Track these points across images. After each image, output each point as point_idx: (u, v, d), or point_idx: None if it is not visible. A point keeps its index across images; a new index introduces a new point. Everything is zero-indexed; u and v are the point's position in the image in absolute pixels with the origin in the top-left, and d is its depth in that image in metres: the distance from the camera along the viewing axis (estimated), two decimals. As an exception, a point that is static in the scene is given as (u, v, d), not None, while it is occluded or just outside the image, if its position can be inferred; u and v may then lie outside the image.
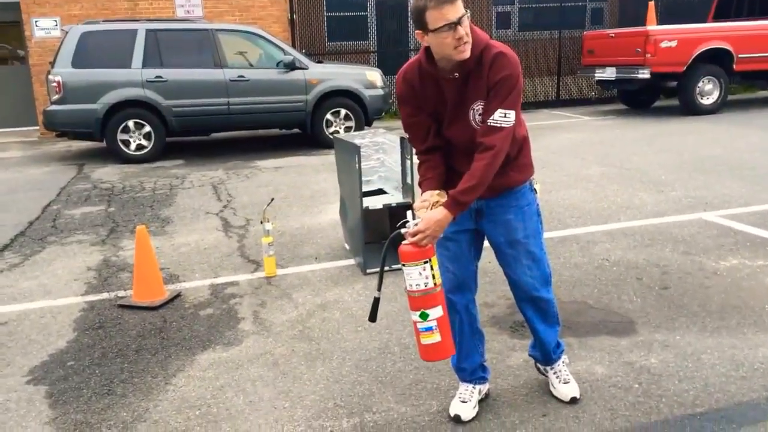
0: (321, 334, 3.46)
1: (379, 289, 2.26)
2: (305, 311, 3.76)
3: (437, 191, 2.24)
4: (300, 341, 3.38)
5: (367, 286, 4.10)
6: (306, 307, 3.81)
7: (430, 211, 2.17)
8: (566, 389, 2.69)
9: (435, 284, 2.13)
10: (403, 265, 2.17)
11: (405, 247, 2.17)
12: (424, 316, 2.14)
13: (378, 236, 4.67)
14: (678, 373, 2.90)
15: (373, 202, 4.35)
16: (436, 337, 2.15)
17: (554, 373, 2.75)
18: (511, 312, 3.60)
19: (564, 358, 2.79)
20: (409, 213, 2.21)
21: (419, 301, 2.15)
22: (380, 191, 4.72)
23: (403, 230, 2.15)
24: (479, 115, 2.20)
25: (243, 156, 9.12)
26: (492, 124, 2.12)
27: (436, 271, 2.17)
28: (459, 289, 2.49)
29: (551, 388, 2.74)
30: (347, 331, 3.47)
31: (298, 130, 10.02)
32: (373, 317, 2.28)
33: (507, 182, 2.34)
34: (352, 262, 4.56)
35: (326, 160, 8.52)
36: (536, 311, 2.54)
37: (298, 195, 6.62)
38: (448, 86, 2.21)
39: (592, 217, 5.38)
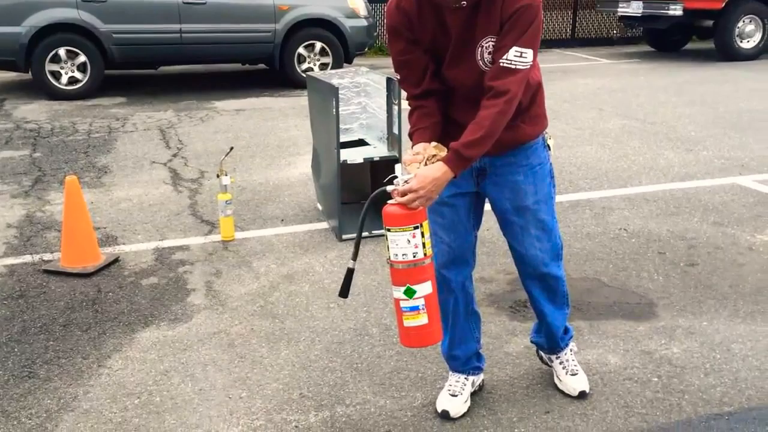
0: (286, 310, 3.45)
1: (354, 259, 2.22)
2: (268, 283, 3.75)
3: (433, 143, 2.18)
4: (261, 319, 3.37)
5: (342, 255, 4.09)
6: (269, 279, 3.80)
7: (425, 167, 2.11)
8: (574, 382, 2.70)
9: (425, 255, 2.10)
10: (388, 230, 2.12)
11: (391, 208, 2.11)
12: (409, 293, 2.11)
13: (357, 196, 4.67)
14: (704, 366, 2.91)
15: (353, 155, 4.34)
16: (422, 319, 2.13)
17: (560, 362, 2.76)
18: (512, 289, 3.61)
19: (572, 345, 2.80)
20: (397, 167, 2.16)
21: (405, 275, 2.11)
22: (361, 142, 4.71)
23: (389, 188, 2.11)
24: (489, 54, 2.14)
25: (197, 95, 9.03)
26: (505, 64, 2.08)
27: (428, 240, 2.12)
28: (454, 264, 2.47)
29: (556, 381, 2.76)
30: (317, 308, 3.46)
31: (264, 65, 9.93)
32: (344, 292, 2.25)
33: (517, 136, 2.30)
34: (325, 225, 4.55)
35: (297, 102, 8.45)
36: (544, 290, 2.54)
37: (263, 144, 6.59)
38: (452, 17, 2.15)
39: (608, 179, 5.39)
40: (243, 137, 6.81)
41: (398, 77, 2.30)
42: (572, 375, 2.72)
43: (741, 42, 11.23)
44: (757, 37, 11.22)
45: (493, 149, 2.21)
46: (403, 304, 2.14)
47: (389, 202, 2.13)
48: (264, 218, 4.69)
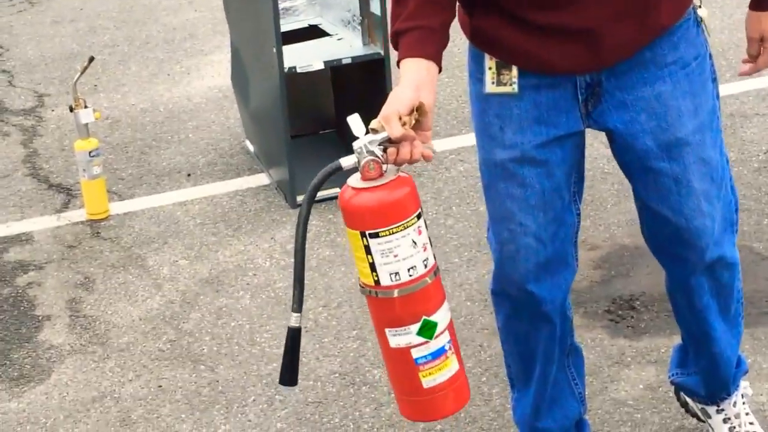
0: (216, 344, 3.40)
1: (297, 309, 2.06)
2: (178, 295, 3.72)
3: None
4: (173, 365, 3.33)
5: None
6: (178, 287, 3.77)
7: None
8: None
9: (435, 257, 2.10)
10: (373, 236, 2.00)
11: (370, 195, 1.98)
12: (428, 332, 2.07)
13: (315, 125, 4.72)
14: None
15: (305, 58, 4.29)
16: (452, 365, 2.11)
17: (725, 418, 2.66)
18: (604, 278, 3.58)
19: (744, 386, 2.72)
20: (354, 121, 1.99)
21: (417, 302, 2.06)
22: (315, 32, 4.65)
23: (346, 161, 2.00)
24: None
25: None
26: None
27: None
28: (548, 270, 2.35)
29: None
30: (270, 338, 3.42)
31: None
32: (290, 375, 2.13)
33: (654, 20, 2.17)
34: (264, 180, 4.53)
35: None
36: (713, 292, 2.44)
37: (139, 39, 6.52)
38: None
39: (729, 63, 5.21)
40: (104, 30, 6.69)
41: None
42: (748, 439, 2.64)
43: None
44: None
45: (617, 52, 2.14)
46: (418, 353, 2.08)
47: (354, 185, 1.98)
48: (157, 174, 4.65)
